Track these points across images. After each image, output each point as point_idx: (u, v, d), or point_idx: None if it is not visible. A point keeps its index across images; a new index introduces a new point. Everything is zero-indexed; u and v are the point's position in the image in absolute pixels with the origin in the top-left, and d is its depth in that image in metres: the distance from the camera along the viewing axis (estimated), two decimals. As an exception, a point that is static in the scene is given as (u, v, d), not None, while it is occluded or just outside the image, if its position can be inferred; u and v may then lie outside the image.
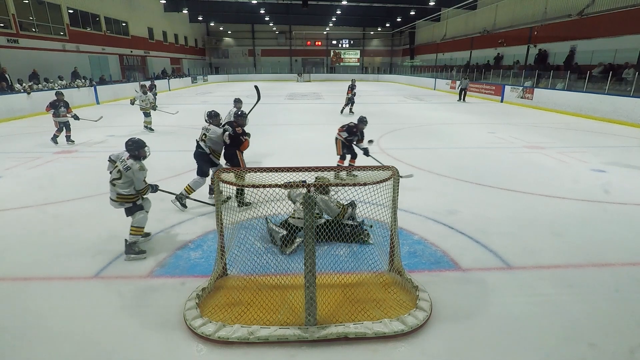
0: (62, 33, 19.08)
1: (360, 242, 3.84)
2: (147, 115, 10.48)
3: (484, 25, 25.17)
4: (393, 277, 3.11)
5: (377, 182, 2.70)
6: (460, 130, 10.72)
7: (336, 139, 5.97)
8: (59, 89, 15.73)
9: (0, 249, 3.84)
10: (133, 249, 3.62)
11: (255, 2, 30.79)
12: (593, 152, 7.99)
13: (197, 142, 4.91)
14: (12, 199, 5.25)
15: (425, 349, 2.46)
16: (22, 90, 13.73)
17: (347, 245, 3.83)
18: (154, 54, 29.69)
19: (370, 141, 6.11)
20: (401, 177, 5.77)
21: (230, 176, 2.89)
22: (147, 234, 4.00)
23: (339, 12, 33.06)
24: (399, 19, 35.05)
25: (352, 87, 13.81)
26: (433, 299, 2.86)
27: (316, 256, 2.54)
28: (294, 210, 3.96)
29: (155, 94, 13.06)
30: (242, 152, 5.01)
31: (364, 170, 2.91)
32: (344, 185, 2.68)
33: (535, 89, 16.25)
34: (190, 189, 4.74)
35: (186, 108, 13.90)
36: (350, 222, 3.92)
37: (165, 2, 30.01)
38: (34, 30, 17.27)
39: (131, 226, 3.63)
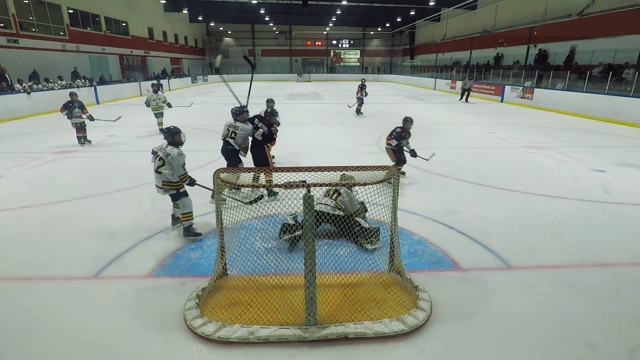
0: (62, 33, 19.07)
1: (361, 245, 3.80)
2: (158, 115, 10.09)
3: (484, 25, 25.16)
4: (393, 277, 3.11)
5: (377, 182, 2.70)
6: (460, 130, 10.72)
7: (386, 148, 5.97)
8: (59, 89, 15.74)
9: (0, 249, 3.84)
10: (190, 232, 3.95)
11: (255, 2, 30.76)
12: (593, 152, 7.98)
13: (224, 139, 5.13)
14: (12, 199, 5.25)
15: (425, 349, 2.46)
16: (22, 90, 13.72)
17: (347, 245, 3.83)
18: (154, 54, 29.67)
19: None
20: (427, 159, 6.05)
21: (230, 176, 2.89)
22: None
23: (339, 12, 33.04)
24: (399, 19, 35.04)
25: (362, 87, 13.64)
26: (433, 299, 2.86)
27: (316, 256, 2.54)
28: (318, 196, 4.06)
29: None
30: (270, 147, 5.34)
31: (363, 170, 2.91)
32: (344, 184, 2.68)
33: (535, 89, 16.25)
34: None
35: (186, 108, 13.89)
36: (364, 223, 3.91)
37: (165, 2, 30.00)
38: (34, 30, 17.26)
39: (181, 214, 3.92)
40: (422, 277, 3.19)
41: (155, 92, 10.04)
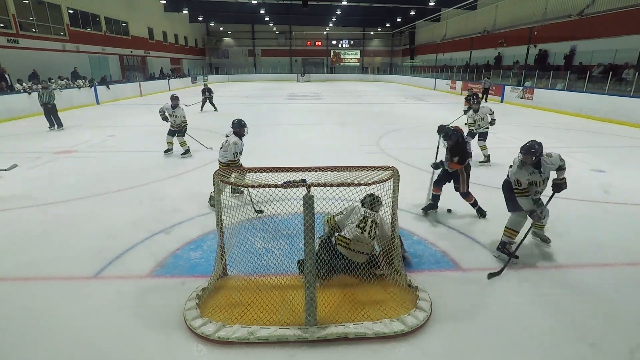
0: (62, 33, 19.07)
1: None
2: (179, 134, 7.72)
3: (484, 25, 25.15)
4: (393, 277, 3.11)
5: (377, 182, 2.70)
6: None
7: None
8: (58, 88, 15.72)
9: (0, 249, 3.84)
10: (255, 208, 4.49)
11: (255, 2, 30.74)
12: (593, 152, 7.98)
13: None
14: (12, 199, 5.25)
15: (425, 349, 2.46)
16: (22, 90, 13.72)
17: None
18: (154, 54, 29.67)
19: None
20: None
21: (230, 176, 2.89)
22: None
23: (339, 12, 33.02)
24: (399, 19, 35.00)
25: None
26: (433, 299, 2.86)
27: (316, 256, 2.54)
28: (343, 236, 3.15)
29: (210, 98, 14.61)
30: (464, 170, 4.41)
31: (363, 170, 2.91)
32: (343, 185, 2.67)
33: (535, 89, 16.24)
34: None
35: (186, 109, 13.91)
36: (406, 254, 3.48)
37: (165, 2, 29.97)
38: (34, 30, 17.26)
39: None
40: (422, 277, 3.19)
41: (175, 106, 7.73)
